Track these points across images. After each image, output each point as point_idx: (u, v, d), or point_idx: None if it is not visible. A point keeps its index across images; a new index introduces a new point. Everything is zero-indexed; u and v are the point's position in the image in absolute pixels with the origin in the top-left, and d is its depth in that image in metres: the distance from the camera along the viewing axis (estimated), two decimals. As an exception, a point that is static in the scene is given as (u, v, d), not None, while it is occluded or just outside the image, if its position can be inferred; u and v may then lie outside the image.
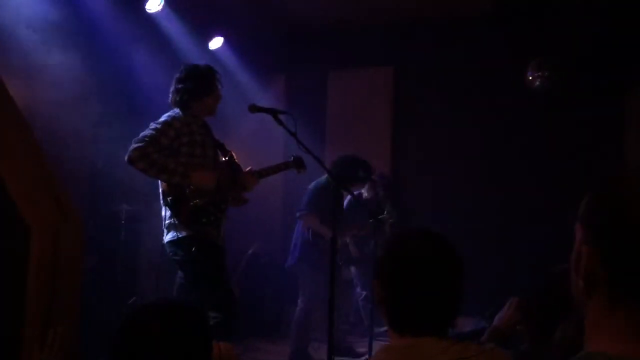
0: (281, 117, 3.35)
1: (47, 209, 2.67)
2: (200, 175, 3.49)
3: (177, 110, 3.61)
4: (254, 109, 3.38)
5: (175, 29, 5.88)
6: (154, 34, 5.68)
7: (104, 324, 4.07)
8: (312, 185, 5.03)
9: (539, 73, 6.03)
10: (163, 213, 3.60)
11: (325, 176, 4.86)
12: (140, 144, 3.35)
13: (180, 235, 3.46)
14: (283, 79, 7.37)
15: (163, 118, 3.54)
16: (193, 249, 3.42)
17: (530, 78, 6.07)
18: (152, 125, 3.48)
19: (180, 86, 3.63)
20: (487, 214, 6.24)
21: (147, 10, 5.48)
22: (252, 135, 6.50)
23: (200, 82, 3.65)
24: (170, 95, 3.69)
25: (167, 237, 3.54)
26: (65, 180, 3.24)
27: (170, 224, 3.53)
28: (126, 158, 3.34)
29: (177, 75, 3.70)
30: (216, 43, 6.38)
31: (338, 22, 6.71)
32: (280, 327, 6.15)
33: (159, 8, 5.50)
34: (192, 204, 3.45)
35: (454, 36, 6.41)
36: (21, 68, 4.43)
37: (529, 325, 2.12)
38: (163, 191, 3.52)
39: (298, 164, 4.05)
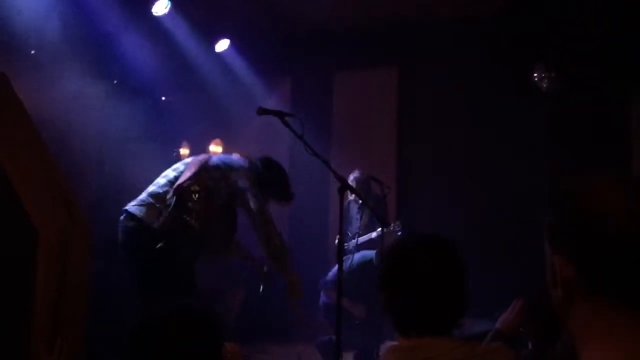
0: (288, 119, 3.34)
1: (55, 213, 2.67)
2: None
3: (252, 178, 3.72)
4: (262, 111, 3.36)
5: (181, 32, 5.90)
6: (161, 37, 5.69)
7: (111, 327, 4.06)
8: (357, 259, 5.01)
9: (546, 74, 6.01)
10: (155, 190, 3.63)
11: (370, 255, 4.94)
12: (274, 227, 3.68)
13: (157, 224, 3.47)
14: (289, 80, 7.37)
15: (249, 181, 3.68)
16: (160, 244, 3.42)
17: (537, 79, 6.04)
18: (254, 193, 3.67)
19: (267, 183, 3.80)
20: (496, 214, 6.21)
21: (153, 13, 5.49)
22: (259, 137, 6.50)
23: (276, 191, 3.87)
24: (260, 165, 3.79)
25: (143, 215, 3.55)
26: (73, 183, 3.24)
27: (156, 207, 3.54)
28: (276, 244, 3.68)
29: (272, 167, 3.85)
30: (222, 45, 6.39)
31: (343, 23, 6.70)
32: (287, 329, 6.13)
33: (166, 11, 5.52)
34: (191, 223, 3.45)
35: (460, 36, 6.38)
36: (29, 70, 4.44)
37: (535, 327, 2.13)
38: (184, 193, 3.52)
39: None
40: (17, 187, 2.51)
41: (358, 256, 4.97)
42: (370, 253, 5.05)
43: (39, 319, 2.54)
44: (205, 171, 3.65)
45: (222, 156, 3.86)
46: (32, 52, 4.73)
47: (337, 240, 5.45)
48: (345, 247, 5.39)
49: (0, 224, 2.53)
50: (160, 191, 3.64)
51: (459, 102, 6.49)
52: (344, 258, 4.97)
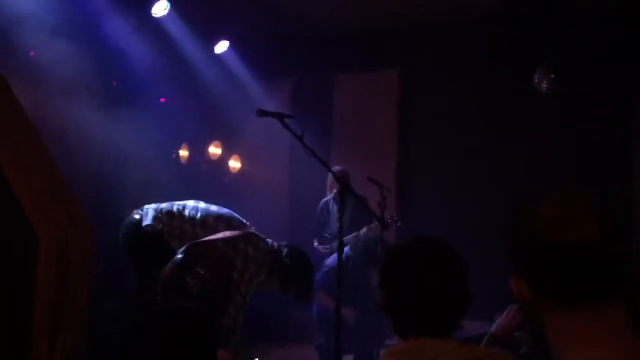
0: (288, 121, 3.34)
1: (56, 216, 2.67)
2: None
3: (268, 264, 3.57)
4: (261, 113, 3.35)
5: (181, 33, 5.90)
6: (160, 38, 5.69)
7: (112, 329, 4.06)
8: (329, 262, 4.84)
9: (547, 76, 6.01)
10: (179, 213, 3.59)
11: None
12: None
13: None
14: (289, 82, 7.37)
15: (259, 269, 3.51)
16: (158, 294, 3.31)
17: (538, 81, 6.04)
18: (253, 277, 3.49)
19: (288, 275, 3.61)
20: (495, 216, 6.20)
21: (153, 15, 5.49)
22: (259, 139, 6.50)
23: (295, 286, 3.65)
24: (285, 254, 3.61)
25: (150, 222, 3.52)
26: (73, 185, 3.24)
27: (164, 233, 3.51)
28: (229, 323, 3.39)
29: (298, 261, 3.63)
30: (222, 47, 6.39)
31: (344, 25, 6.70)
32: (289, 331, 6.13)
33: (165, 12, 5.52)
34: (190, 285, 3.33)
35: (460, 39, 6.39)
36: (29, 74, 4.44)
37: (531, 330, 2.13)
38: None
39: None
40: (16, 190, 2.51)
41: (333, 257, 4.82)
42: (345, 250, 4.92)
43: (39, 320, 2.54)
44: (235, 245, 3.49)
45: (260, 238, 3.66)
46: (31, 54, 4.73)
47: (315, 243, 5.47)
48: (327, 249, 5.35)
49: (0, 228, 2.53)
50: (176, 213, 3.60)
51: (459, 104, 6.49)
52: (324, 261, 4.96)
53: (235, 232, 3.55)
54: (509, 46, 6.18)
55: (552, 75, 6.02)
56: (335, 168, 5.02)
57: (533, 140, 6.20)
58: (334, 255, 4.67)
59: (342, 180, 3.73)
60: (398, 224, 5.18)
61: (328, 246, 5.32)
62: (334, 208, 5.37)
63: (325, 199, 5.54)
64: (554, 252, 0.88)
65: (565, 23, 5.88)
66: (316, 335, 4.91)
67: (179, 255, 3.37)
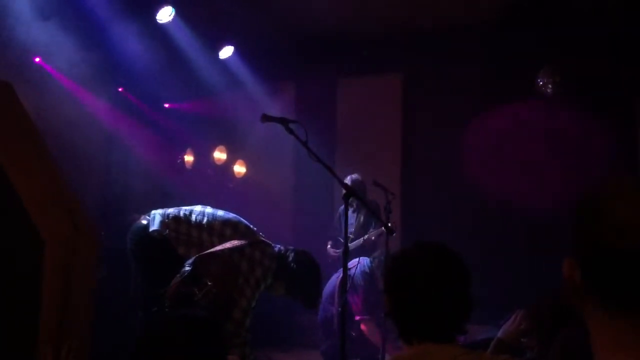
0: (292, 126, 3.33)
1: (60, 221, 2.68)
2: None
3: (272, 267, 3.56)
4: (265, 118, 3.35)
5: (185, 39, 5.92)
6: (165, 44, 5.71)
7: (116, 335, 4.06)
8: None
9: (550, 79, 6.00)
10: (185, 219, 3.57)
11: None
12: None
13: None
14: (293, 87, 7.39)
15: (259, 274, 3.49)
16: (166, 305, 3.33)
17: (541, 84, 6.03)
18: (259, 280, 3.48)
19: (293, 280, 3.59)
20: (499, 220, 6.19)
21: (158, 21, 5.51)
22: (264, 144, 6.51)
23: (301, 291, 3.63)
24: (291, 259, 3.59)
25: (156, 226, 3.51)
26: (78, 191, 3.25)
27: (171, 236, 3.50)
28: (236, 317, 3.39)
29: (304, 266, 3.60)
30: (226, 52, 6.41)
31: (347, 30, 6.71)
32: (292, 336, 6.12)
33: (170, 18, 5.54)
34: (195, 299, 3.32)
35: (463, 43, 6.39)
36: (34, 80, 4.46)
37: (539, 333, 2.12)
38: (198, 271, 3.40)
39: None
40: (22, 196, 2.52)
41: (358, 270, 4.78)
42: (365, 261, 4.85)
43: (45, 326, 2.55)
44: (241, 250, 3.48)
45: (267, 243, 3.64)
46: (37, 60, 4.76)
47: (329, 245, 5.48)
48: (338, 252, 5.36)
49: (5, 233, 2.54)
50: (182, 219, 3.59)
51: (463, 109, 6.48)
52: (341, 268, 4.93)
53: (243, 241, 3.54)
54: (511, 49, 6.17)
55: (558, 79, 6.01)
56: (353, 176, 5.12)
57: (537, 143, 6.19)
58: (353, 262, 4.59)
59: (347, 185, 3.72)
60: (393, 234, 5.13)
61: (339, 250, 5.35)
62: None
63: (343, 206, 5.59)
64: (615, 257, 0.84)
65: (567, 25, 5.87)
66: (322, 340, 4.90)
67: (187, 268, 3.37)
